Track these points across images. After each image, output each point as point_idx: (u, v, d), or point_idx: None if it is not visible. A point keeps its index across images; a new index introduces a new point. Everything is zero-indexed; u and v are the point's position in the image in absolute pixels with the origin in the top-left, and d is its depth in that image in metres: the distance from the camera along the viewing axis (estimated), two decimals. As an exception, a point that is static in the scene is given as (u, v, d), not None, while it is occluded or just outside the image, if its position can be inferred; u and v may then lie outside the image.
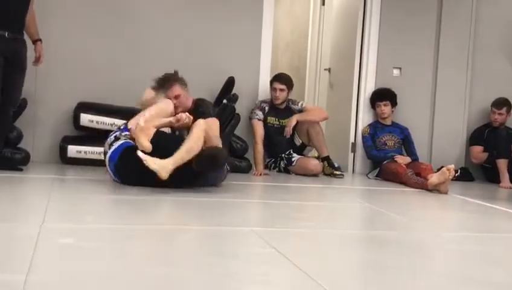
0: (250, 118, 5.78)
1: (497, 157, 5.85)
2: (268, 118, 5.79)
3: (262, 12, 5.95)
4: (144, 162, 3.76)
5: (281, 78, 5.84)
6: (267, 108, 5.81)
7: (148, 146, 3.87)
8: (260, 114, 5.76)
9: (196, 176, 4.01)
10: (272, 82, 5.85)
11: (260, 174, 5.36)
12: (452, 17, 6.28)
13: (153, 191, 3.97)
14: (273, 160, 5.79)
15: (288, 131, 5.68)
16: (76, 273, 2.11)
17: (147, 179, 3.89)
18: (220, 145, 4.00)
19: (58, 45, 5.41)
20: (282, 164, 5.73)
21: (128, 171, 3.99)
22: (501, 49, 6.43)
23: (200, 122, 4.03)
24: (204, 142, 3.94)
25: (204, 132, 3.97)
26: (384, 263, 2.55)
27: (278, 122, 5.82)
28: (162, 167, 3.80)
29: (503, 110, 6.11)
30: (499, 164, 5.81)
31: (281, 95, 5.79)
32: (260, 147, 5.56)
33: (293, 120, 5.68)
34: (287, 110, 5.82)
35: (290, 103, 5.89)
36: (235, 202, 3.85)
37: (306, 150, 5.92)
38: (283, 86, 5.79)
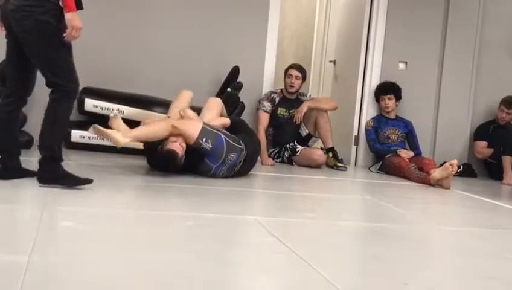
0: (257, 109, 5.78)
1: (503, 153, 5.84)
2: (279, 108, 5.78)
3: (268, 2, 5.93)
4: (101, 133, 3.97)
5: (297, 66, 5.90)
6: (277, 99, 5.79)
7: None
8: (268, 106, 5.74)
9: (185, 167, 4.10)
10: (287, 70, 5.87)
11: (269, 164, 5.40)
12: (459, 13, 6.25)
13: (157, 178, 3.97)
14: (276, 150, 5.79)
15: (299, 117, 5.68)
16: (77, 255, 2.13)
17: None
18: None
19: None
20: (286, 154, 5.73)
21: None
22: (507, 47, 6.40)
23: (173, 120, 4.21)
24: (174, 135, 4.02)
25: (172, 127, 4.02)
26: (385, 255, 2.56)
27: (287, 113, 5.81)
28: (119, 134, 3.97)
29: None
30: (504, 161, 5.80)
31: (296, 83, 5.80)
32: (262, 138, 5.56)
33: (304, 106, 5.69)
34: (297, 101, 5.82)
35: (300, 94, 5.90)
36: (238, 191, 3.86)
37: (311, 142, 5.92)
38: (299, 74, 5.82)
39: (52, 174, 3.23)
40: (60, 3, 3.19)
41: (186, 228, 2.72)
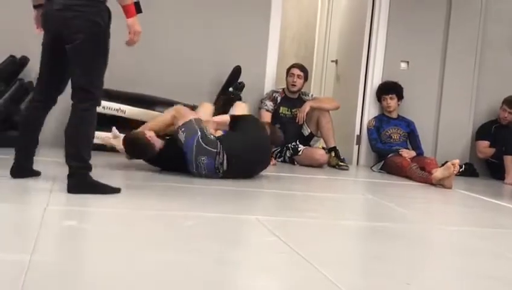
0: (259, 108, 5.78)
1: (505, 153, 5.83)
2: (281, 108, 5.79)
3: (270, 2, 5.93)
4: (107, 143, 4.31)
5: (299, 66, 5.93)
6: (279, 98, 5.80)
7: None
8: (270, 105, 5.75)
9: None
10: (289, 69, 5.90)
11: (270, 164, 5.41)
12: (461, 12, 6.25)
13: (159, 178, 3.98)
14: (278, 149, 5.79)
15: (301, 117, 5.68)
16: (78, 255, 2.13)
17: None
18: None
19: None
20: (287, 154, 5.73)
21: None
22: (510, 45, 6.40)
23: (172, 108, 4.29)
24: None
25: (172, 117, 4.16)
26: (386, 254, 2.56)
27: (289, 113, 5.81)
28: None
29: None
30: (506, 160, 5.79)
31: (298, 82, 5.81)
32: None
33: (306, 106, 5.70)
34: (299, 101, 5.83)
35: (301, 94, 5.91)
36: (239, 191, 3.86)
37: (313, 141, 5.93)
38: (301, 73, 5.84)
39: (82, 184, 3.15)
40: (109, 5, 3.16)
41: (186, 228, 2.72)
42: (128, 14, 3.18)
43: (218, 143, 4.11)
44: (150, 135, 4.08)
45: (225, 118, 4.56)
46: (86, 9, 3.10)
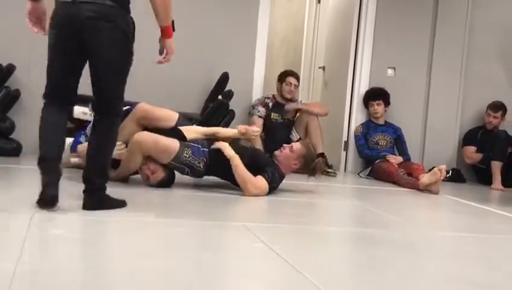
0: (252, 114, 5.80)
1: (492, 158, 5.87)
2: (272, 114, 5.83)
3: (258, 8, 5.95)
4: None
5: (295, 75, 6.01)
6: (270, 104, 5.84)
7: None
8: (262, 111, 5.78)
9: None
10: (285, 77, 5.92)
11: None
12: (447, 20, 6.30)
13: (144, 186, 3.96)
14: (268, 155, 5.79)
15: (291, 107, 5.80)
16: (65, 264, 2.12)
17: None
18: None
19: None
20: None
21: None
22: (495, 53, 6.45)
23: (132, 140, 3.88)
24: (146, 157, 3.87)
25: (136, 149, 3.85)
26: (374, 260, 2.56)
27: (280, 118, 5.85)
28: None
29: (499, 114, 6.14)
30: (493, 166, 5.82)
31: (294, 91, 5.93)
32: (258, 143, 5.57)
33: (298, 103, 5.84)
34: None
35: (290, 100, 5.96)
36: (226, 197, 3.85)
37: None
38: (297, 83, 5.96)
39: (102, 200, 3.03)
40: None
41: (173, 235, 2.71)
42: (167, 34, 3.17)
43: (204, 171, 4.00)
44: (160, 174, 3.92)
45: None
46: (119, 20, 2.97)
